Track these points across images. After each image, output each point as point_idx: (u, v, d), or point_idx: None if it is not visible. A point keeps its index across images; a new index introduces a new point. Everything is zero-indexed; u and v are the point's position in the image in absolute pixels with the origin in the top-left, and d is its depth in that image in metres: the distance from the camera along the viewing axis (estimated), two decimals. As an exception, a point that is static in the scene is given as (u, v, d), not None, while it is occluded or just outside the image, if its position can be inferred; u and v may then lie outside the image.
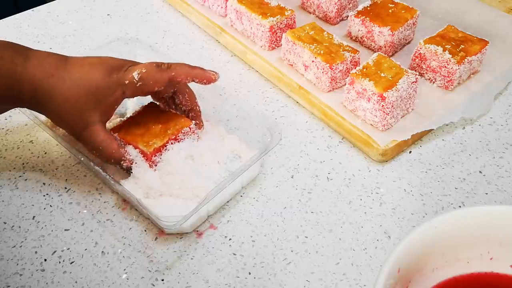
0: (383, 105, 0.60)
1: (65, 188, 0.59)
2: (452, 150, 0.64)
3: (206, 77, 0.57)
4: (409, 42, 0.76)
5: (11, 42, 0.54)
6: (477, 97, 0.68)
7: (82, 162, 0.60)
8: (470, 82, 0.69)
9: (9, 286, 0.50)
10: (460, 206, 0.57)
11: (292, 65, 0.71)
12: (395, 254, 0.36)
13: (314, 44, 0.68)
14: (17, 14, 0.85)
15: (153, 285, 0.50)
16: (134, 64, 0.55)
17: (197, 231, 0.55)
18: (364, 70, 0.63)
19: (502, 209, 0.40)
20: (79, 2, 0.88)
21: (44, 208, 0.57)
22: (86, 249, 0.53)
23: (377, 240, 0.54)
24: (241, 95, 0.71)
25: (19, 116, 0.66)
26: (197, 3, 0.83)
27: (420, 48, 0.68)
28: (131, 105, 0.65)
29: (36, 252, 0.53)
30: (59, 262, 0.52)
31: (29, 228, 0.55)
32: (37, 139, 0.64)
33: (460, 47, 0.67)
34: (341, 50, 0.67)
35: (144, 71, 0.54)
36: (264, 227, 0.55)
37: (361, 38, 0.75)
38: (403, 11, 0.73)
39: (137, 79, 0.53)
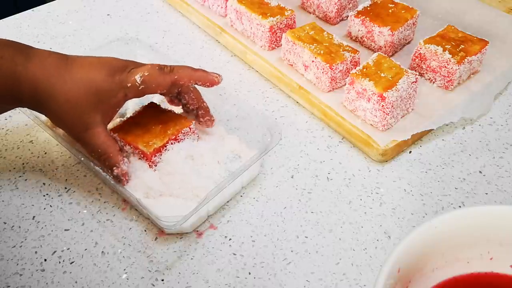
0: (383, 105, 0.60)
1: (65, 188, 0.59)
2: (452, 150, 0.64)
3: (209, 80, 0.57)
4: (409, 42, 0.76)
5: (12, 41, 0.54)
6: (477, 97, 0.68)
7: (82, 162, 0.60)
8: (470, 82, 0.69)
9: (9, 286, 0.50)
10: (460, 206, 0.57)
11: (292, 65, 0.71)
12: (395, 254, 0.36)
13: (314, 44, 0.68)
14: (17, 14, 0.85)
15: (153, 285, 0.50)
16: (137, 65, 0.55)
17: (197, 231, 0.55)
18: (364, 70, 0.63)
19: (502, 209, 0.40)
20: (79, 2, 0.88)
21: (44, 208, 0.57)
22: (86, 249, 0.53)
23: (377, 240, 0.54)
24: (241, 95, 0.71)
25: (19, 116, 0.66)
26: (197, 3, 0.83)
27: (420, 48, 0.68)
28: (131, 105, 0.64)
29: (36, 252, 0.53)
30: (59, 262, 0.52)
31: (29, 228, 0.55)
32: (37, 139, 0.64)
33: (460, 47, 0.67)
34: (341, 50, 0.67)
35: (146, 74, 0.53)
36: (264, 227, 0.55)
37: (361, 38, 0.75)
38: (403, 11, 0.73)
39: (139, 82, 0.53)
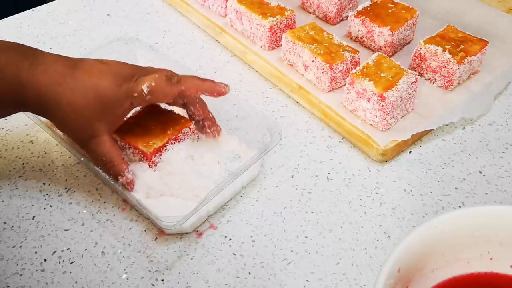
0: (383, 105, 0.60)
1: (65, 188, 0.59)
2: (452, 150, 0.64)
3: (217, 91, 0.56)
4: (409, 42, 0.76)
5: (17, 44, 0.53)
6: (477, 97, 0.68)
7: (82, 162, 0.60)
8: (470, 82, 0.69)
9: (9, 286, 0.50)
10: (460, 206, 0.57)
11: (292, 65, 0.71)
12: (395, 254, 0.36)
13: (314, 44, 0.68)
14: (17, 14, 0.85)
15: (153, 285, 0.50)
16: (144, 73, 0.54)
17: (197, 231, 0.55)
18: (364, 70, 0.63)
19: (502, 209, 0.40)
20: (79, 2, 0.88)
21: (44, 208, 0.57)
22: (86, 249, 0.53)
23: (377, 240, 0.54)
24: (241, 95, 0.71)
25: (19, 116, 0.66)
26: (197, 3, 0.83)
27: (420, 48, 0.68)
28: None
29: (36, 252, 0.53)
30: (59, 262, 0.52)
31: (29, 228, 0.55)
32: (37, 139, 0.64)
33: (460, 47, 0.67)
34: (341, 50, 0.67)
35: (153, 84, 0.52)
36: (264, 227, 0.55)
37: (361, 38, 0.75)
38: (403, 11, 0.73)
39: (146, 93, 0.52)
